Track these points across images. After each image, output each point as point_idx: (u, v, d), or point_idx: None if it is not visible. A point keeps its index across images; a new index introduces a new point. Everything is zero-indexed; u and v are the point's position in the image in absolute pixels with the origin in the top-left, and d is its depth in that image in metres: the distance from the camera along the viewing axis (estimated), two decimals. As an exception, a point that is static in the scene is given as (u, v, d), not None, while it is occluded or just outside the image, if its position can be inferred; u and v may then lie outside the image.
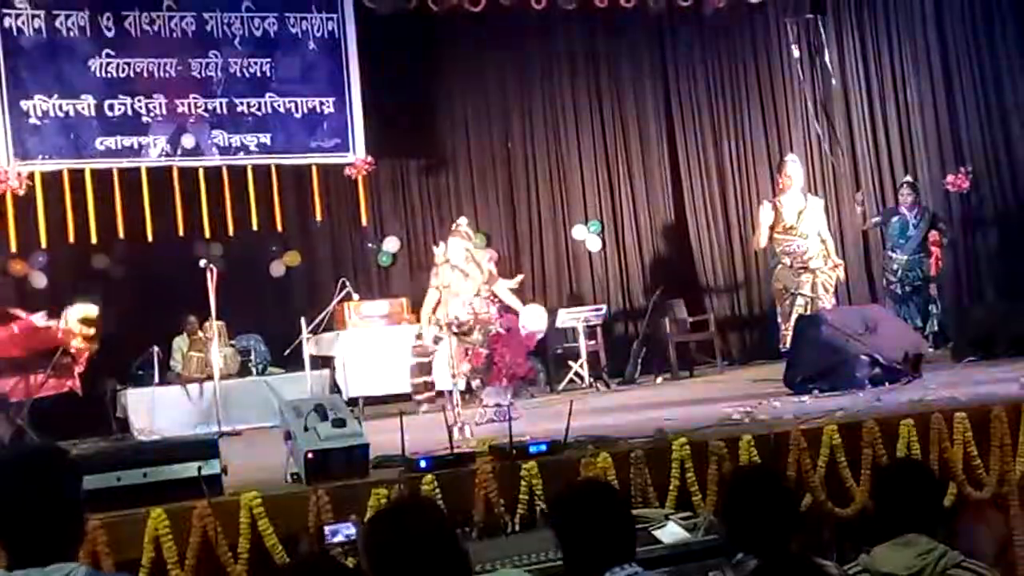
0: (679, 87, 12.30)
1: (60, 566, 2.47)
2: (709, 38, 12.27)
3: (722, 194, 12.30)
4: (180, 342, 10.44)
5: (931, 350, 9.08)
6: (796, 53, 11.79)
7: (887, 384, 7.07)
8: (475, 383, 7.35)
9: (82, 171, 9.98)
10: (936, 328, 10.21)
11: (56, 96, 9.92)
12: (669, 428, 5.70)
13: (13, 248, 10.04)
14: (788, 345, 8.17)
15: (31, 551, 2.47)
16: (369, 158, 10.85)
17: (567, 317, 10.63)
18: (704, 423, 5.93)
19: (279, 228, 10.89)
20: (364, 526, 2.81)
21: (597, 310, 10.78)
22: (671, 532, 4.16)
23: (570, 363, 10.53)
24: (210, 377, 9.43)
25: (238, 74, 10.56)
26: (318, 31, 10.74)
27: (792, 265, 9.43)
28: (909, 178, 11.24)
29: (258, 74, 10.63)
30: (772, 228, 9.50)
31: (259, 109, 10.60)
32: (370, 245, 11.73)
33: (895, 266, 10.50)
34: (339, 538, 4.22)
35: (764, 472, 3.83)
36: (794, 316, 8.82)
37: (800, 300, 9.23)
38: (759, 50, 12.37)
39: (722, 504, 3.51)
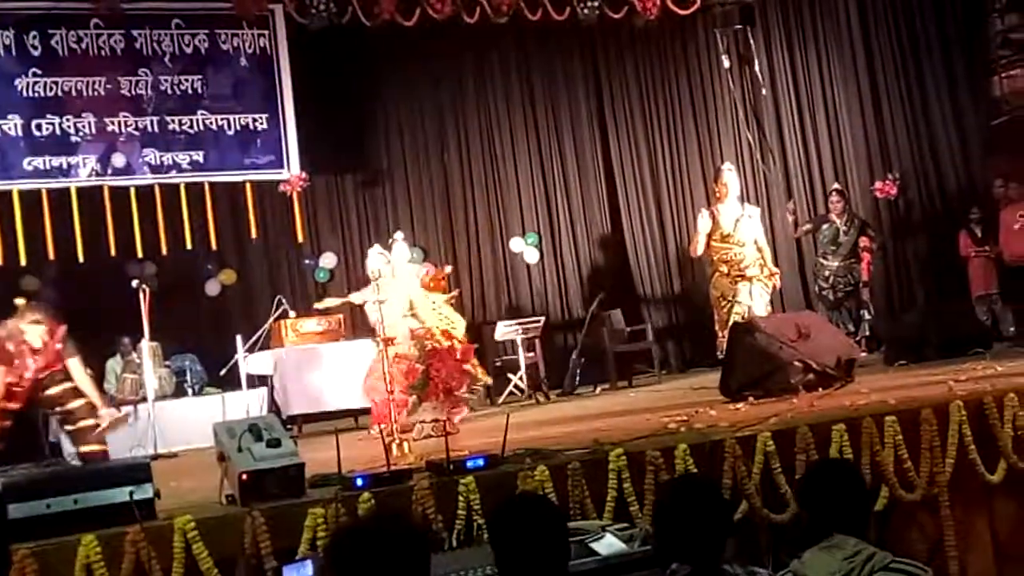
0: (612, 98, 12.39)
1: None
2: (641, 49, 12.38)
3: (657, 203, 12.40)
4: (114, 364, 10.29)
5: (863, 354, 9.21)
6: (727, 63, 11.94)
7: (820, 389, 7.17)
8: (411, 399, 7.33)
9: (10, 192, 9.81)
10: (868, 333, 10.37)
11: (-17, 116, 9.76)
12: (606, 439, 5.74)
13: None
14: (724, 353, 8.24)
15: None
16: (304, 174, 10.79)
17: (506, 329, 10.65)
18: (641, 433, 5.96)
19: (214, 246, 10.79)
20: (333, 538, 2.77)
21: (535, 322, 10.80)
22: (608, 544, 4.17)
23: (509, 375, 10.54)
24: (145, 399, 9.31)
25: (169, 91, 10.45)
26: (249, 47, 10.67)
27: (729, 273, 9.53)
28: (838, 185, 11.43)
29: (189, 91, 10.53)
30: (709, 236, 9.60)
31: (191, 127, 10.50)
32: (307, 261, 11.66)
33: (827, 272, 10.67)
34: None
35: (696, 481, 3.86)
36: (730, 324, 8.91)
37: (737, 308, 9.33)
38: (691, 61, 12.51)
39: (655, 513, 3.54)
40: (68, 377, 7.49)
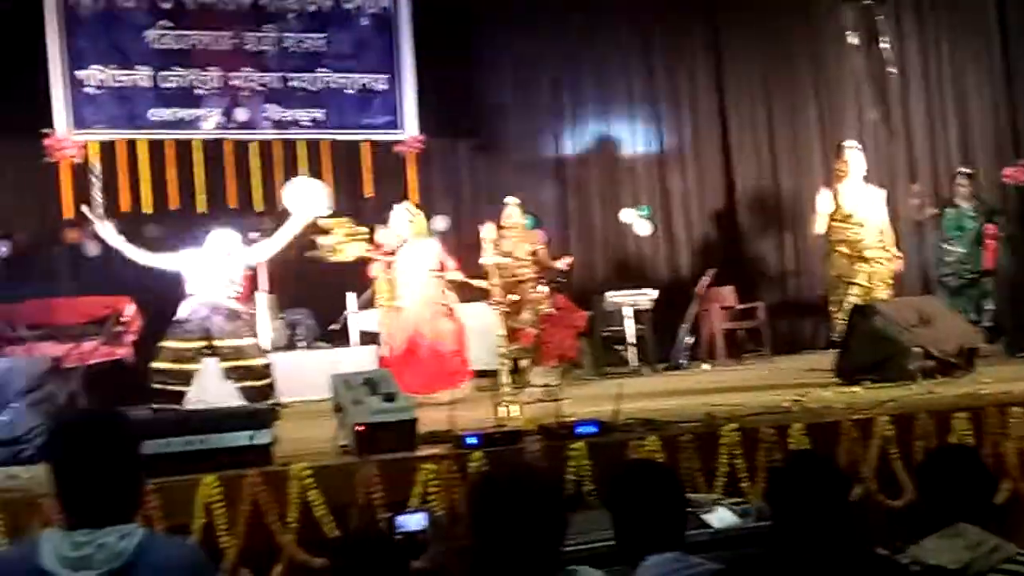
0: (732, 69, 12.18)
1: (119, 527, 2.48)
2: (763, 20, 12.14)
3: (774, 180, 12.18)
4: (229, 314, 10.48)
5: (985, 344, 8.93)
6: (852, 40, 11.61)
7: (940, 377, 6.98)
8: (523, 363, 7.34)
9: (136, 141, 10.08)
10: (990, 322, 10.04)
11: (112, 67, 10.02)
12: (718, 414, 5.68)
13: (67, 216, 10.16)
14: (841, 335, 8.07)
15: (91, 512, 2.47)
16: (420, 136, 10.86)
17: (615, 300, 10.58)
18: (754, 410, 5.88)
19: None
20: (476, 486, 2.74)
21: (645, 294, 10.71)
22: (721, 517, 4.13)
23: (616, 346, 10.48)
24: (260, 350, 9.47)
25: (292, 49, 10.62)
26: (371, 7, 10.77)
27: (849, 254, 9.32)
28: (966, 169, 11.06)
29: (311, 49, 10.68)
30: (830, 216, 9.39)
31: (312, 84, 10.66)
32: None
33: (950, 258, 10.32)
34: (408, 528, 4.18)
35: (815, 457, 3.79)
36: (848, 306, 8.71)
37: (855, 290, 9.13)
38: (815, 33, 12.23)
39: (771, 487, 3.47)
40: None
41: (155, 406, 7.15)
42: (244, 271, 7.70)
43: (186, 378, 7.48)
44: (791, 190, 12.17)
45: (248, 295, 7.73)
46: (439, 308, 7.84)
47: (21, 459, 5.59)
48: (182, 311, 7.60)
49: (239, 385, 7.50)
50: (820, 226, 9.50)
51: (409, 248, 8.23)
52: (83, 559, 2.42)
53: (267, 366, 7.72)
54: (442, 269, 8.45)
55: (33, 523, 4.23)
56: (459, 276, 8.45)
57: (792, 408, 5.94)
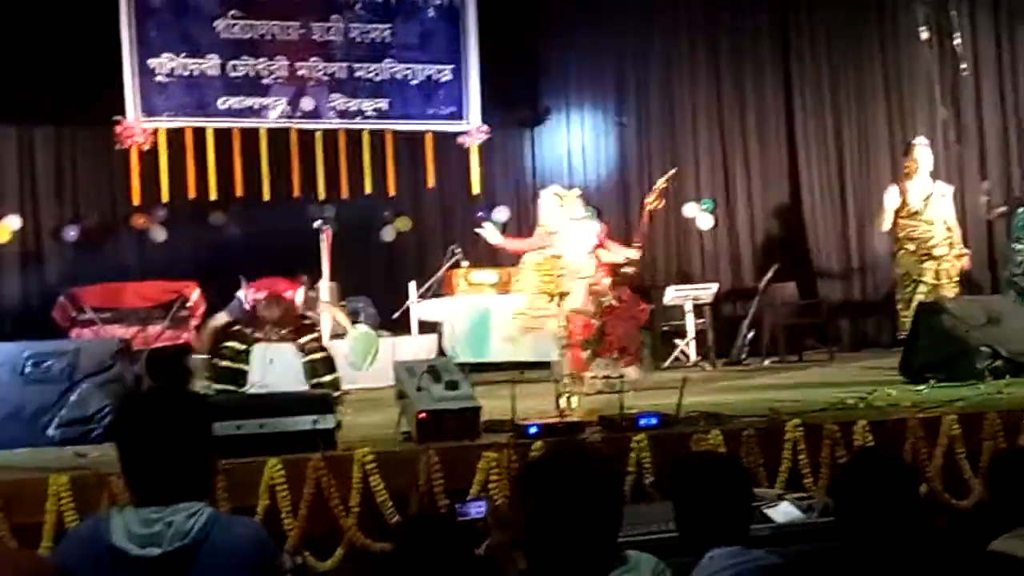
0: (800, 63, 12.05)
1: (187, 505, 2.51)
2: (833, 14, 11.99)
3: (840, 176, 12.04)
4: (292, 301, 10.58)
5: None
6: (924, 35, 11.43)
7: (1009, 377, 6.85)
8: (585, 354, 7.31)
9: (204, 129, 10.21)
10: (1060, 324, 9.84)
11: (183, 55, 10.16)
12: (781, 409, 5.63)
13: (136, 202, 10.33)
14: (907, 333, 7.96)
15: (160, 490, 2.49)
16: (484, 127, 10.88)
17: (675, 294, 10.52)
18: (817, 406, 5.82)
19: (391, 193, 11.00)
20: (532, 467, 2.73)
21: (706, 288, 10.65)
22: (784, 512, 4.09)
23: (676, 341, 10.43)
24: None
25: (358, 39, 10.68)
26: (438, -1, 10.80)
27: (916, 252, 9.17)
28: (1038, 168, 10.87)
29: (377, 40, 10.74)
30: (897, 213, 9.25)
31: (377, 75, 10.72)
32: (480, 214, 11.75)
33: (1020, 258, 10.13)
34: (469, 516, 4.20)
35: (883, 456, 3.73)
36: (915, 304, 8.59)
37: (922, 287, 8.99)
38: (885, 29, 12.06)
39: (839, 483, 3.43)
40: None
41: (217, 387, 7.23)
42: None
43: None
44: (857, 186, 12.01)
45: None
46: (599, 289, 7.86)
47: (90, 438, 5.69)
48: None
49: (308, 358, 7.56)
50: (887, 223, 9.37)
51: (568, 230, 8.23)
52: (151, 536, 2.44)
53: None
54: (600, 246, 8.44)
55: (102, 501, 4.31)
56: (618, 256, 8.43)
57: (857, 405, 5.87)
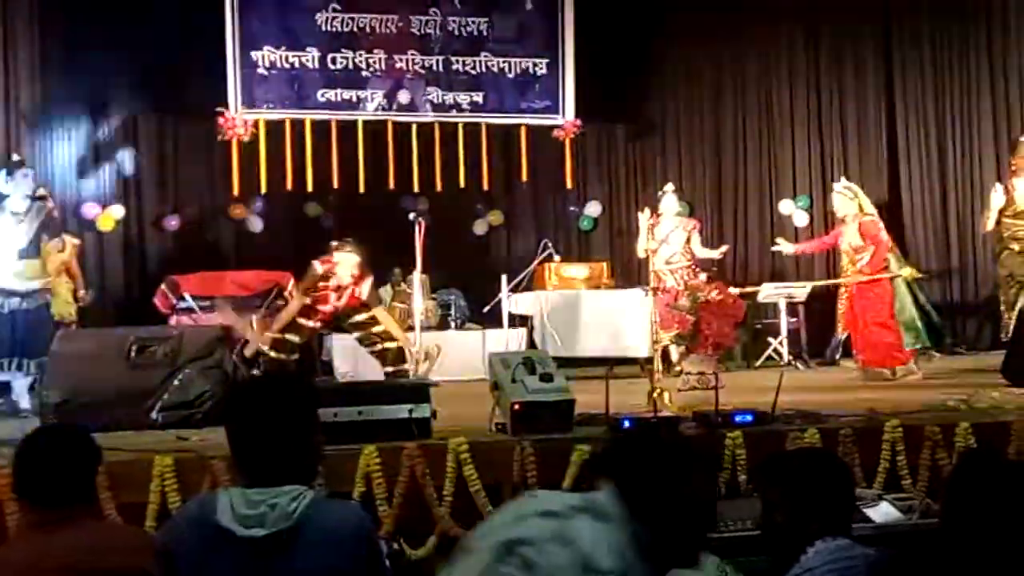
0: (902, 59, 11.80)
1: (292, 488, 2.55)
2: (937, 8, 11.72)
3: (941, 175, 11.76)
4: (384, 292, 10.70)
5: None
6: (1034, 27, 11.12)
7: (1118, 382, 6.64)
8: (679, 349, 7.27)
9: (303, 121, 10.37)
10: None
11: (283, 48, 10.33)
12: (880, 410, 5.53)
13: (235, 192, 10.52)
14: (1009, 335, 7.76)
15: (267, 472, 2.54)
16: (578, 121, 10.88)
17: (769, 292, 10.39)
18: (917, 407, 5.71)
19: (485, 187, 11.04)
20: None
21: (801, 287, 10.49)
22: (884, 512, 4.04)
23: (769, 339, 10.30)
24: (412, 328, 9.64)
25: (455, 32, 10.75)
26: (537, -8, 10.81)
27: (1021, 252, 8.93)
28: None
29: (475, 33, 10.78)
30: (1002, 212, 9.02)
31: (474, 68, 10.77)
32: (572, 208, 11.75)
33: None
34: None
35: (995, 458, 3.64)
36: (1019, 305, 8.36)
37: (1027, 289, 8.76)
38: (992, 22, 11.75)
39: (949, 486, 3.35)
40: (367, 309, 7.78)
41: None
42: None
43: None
44: (960, 184, 11.73)
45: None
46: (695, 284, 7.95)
47: (191, 422, 5.83)
48: None
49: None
50: (991, 222, 9.15)
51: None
52: (256, 517, 2.50)
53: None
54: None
55: (203, 482, 4.41)
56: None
57: (959, 407, 5.74)
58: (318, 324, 7.79)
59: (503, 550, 2.21)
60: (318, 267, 7.53)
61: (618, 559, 2.20)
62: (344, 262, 7.53)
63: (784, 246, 9.08)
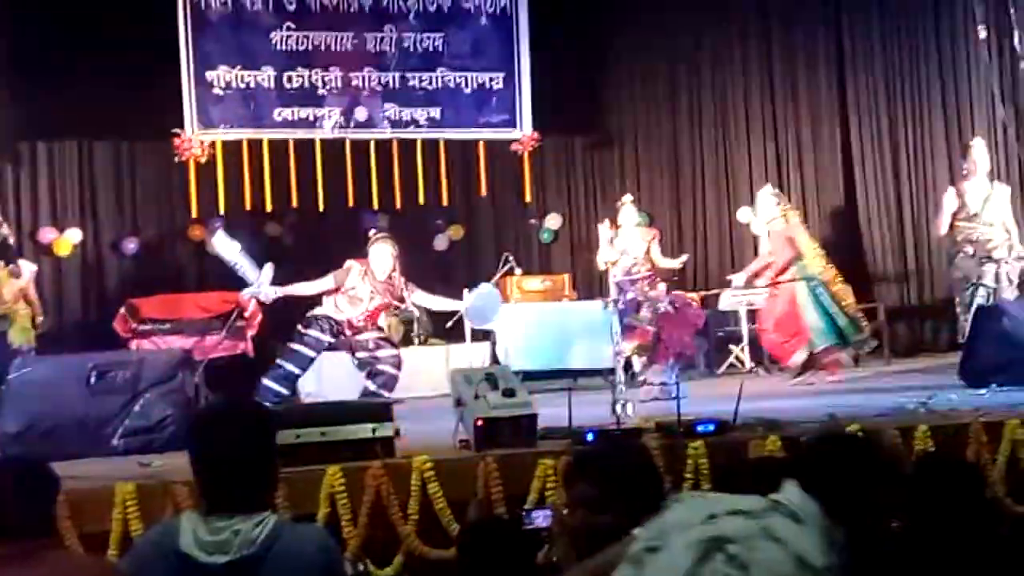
0: (854, 65, 11.94)
1: (254, 515, 2.55)
2: (888, 14, 11.89)
3: (895, 178, 11.91)
4: (346, 310, 10.67)
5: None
6: (982, 34, 11.26)
7: (1073, 381, 6.74)
8: (640, 361, 7.31)
9: (260, 140, 10.33)
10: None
11: (239, 67, 10.29)
12: (840, 415, 5.59)
13: (193, 214, 10.47)
14: (966, 337, 7.87)
15: (229, 499, 2.55)
16: (536, 134, 10.92)
17: (730, 300, 10.46)
18: (876, 411, 5.77)
19: (444, 202, 11.05)
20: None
21: (761, 293, 10.55)
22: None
23: (731, 346, 10.37)
24: (374, 345, 9.61)
25: (411, 49, 10.75)
26: (490, 6, 10.84)
27: (975, 254, 9.04)
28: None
29: (430, 49, 10.80)
30: (955, 215, 9.14)
31: (430, 83, 10.78)
32: (532, 221, 11.78)
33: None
34: (537, 524, 4.22)
35: (950, 461, 3.69)
36: (974, 307, 8.48)
37: (982, 291, 8.86)
38: (942, 29, 11.93)
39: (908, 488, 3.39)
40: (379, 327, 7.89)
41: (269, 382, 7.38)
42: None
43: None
44: (915, 188, 11.89)
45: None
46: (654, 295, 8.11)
47: (153, 447, 5.78)
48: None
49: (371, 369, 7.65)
50: (944, 226, 9.27)
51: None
52: (219, 544, 2.50)
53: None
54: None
55: (166, 507, 4.39)
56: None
57: (918, 410, 5.81)
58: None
59: (706, 548, 2.21)
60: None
61: (827, 557, 2.24)
62: (378, 257, 7.72)
63: (736, 279, 9.18)
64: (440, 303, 8.26)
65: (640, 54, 11.84)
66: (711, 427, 5.13)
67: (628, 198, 9.36)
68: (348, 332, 7.76)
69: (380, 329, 8.08)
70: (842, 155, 12.00)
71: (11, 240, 8.10)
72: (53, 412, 5.89)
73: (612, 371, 6.95)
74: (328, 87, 10.48)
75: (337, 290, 7.81)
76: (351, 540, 4.54)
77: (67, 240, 10.41)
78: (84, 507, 4.41)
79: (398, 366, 7.85)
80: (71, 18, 9.96)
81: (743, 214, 11.75)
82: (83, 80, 9.97)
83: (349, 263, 8.01)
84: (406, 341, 10.39)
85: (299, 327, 7.81)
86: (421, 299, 8.07)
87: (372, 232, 8.23)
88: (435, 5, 10.72)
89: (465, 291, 9.22)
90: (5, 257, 7.74)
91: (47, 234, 10.37)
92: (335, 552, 2.79)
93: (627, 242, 8.88)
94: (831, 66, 11.99)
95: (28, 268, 8.36)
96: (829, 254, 11.55)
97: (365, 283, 7.78)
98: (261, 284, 7.56)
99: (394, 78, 10.63)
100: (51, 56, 9.96)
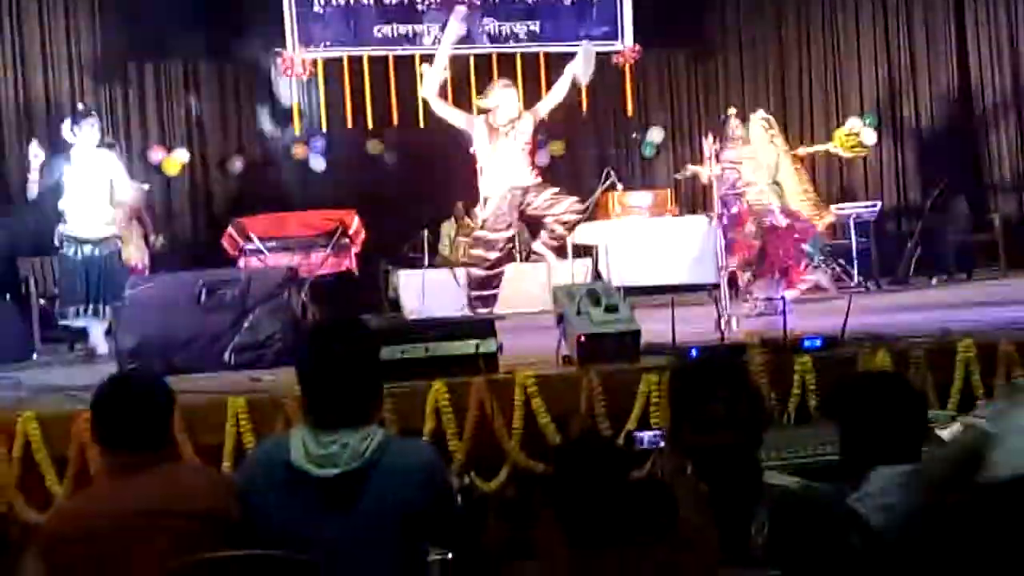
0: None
1: (362, 428, 2.60)
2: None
3: (1015, 83, 11.41)
4: (448, 227, 10.73)
5: None
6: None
7: None
8: (746, 275, 7.20)
9: (360, 58, 10.34)
10: None
11: (339, -15, 10.27)
12: (952, 329, 5.44)
13: (296, 132, 10.56)
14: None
15: (336, 414, 2.60)
16: (637, 46, 10.71)
17: (838, 212, 10.20)
18: (992, 325, 5.61)
19: (544, 117, 10.93)
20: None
21: (870, 206, 10.29)
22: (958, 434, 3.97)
23: (839, 261, 10.15)
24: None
25: (511, -38, 10.60)
26: (591, -84, 10.60)
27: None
28: None
29: (530, -38, 10.63)
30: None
31: (529, -3, 10.64)
32: (634, 135, 11.62)
33: None
34: (645, 444, 4.22)
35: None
36: None
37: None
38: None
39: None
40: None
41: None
42: None
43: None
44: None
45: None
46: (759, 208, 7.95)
47: (262, 363, 5.92)
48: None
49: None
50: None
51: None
52: (328, 457, 2.56)
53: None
54: None
55: (277, 421, 4.49)
56: None
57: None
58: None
59: None
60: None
61: None
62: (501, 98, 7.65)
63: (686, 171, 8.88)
64: (556, 89, 8.33)
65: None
66: (818, 342, 5.04)
67: (732, 111, 9.15)
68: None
69: None
70: (957, 59, 11.53)
71: (123, 161, 8.26)
72: (166, 329, 6.05)
73: (716, 286, 6.87)
74: (427, 3, 10.41)
75: None
76: (456, 454, 4.60)
77: (175, 160, 10.61)
78: (198, 420, 4.53)
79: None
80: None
81: (852, 124, 11.39)
82: (182, 3, 10.06)
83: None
84: (507, 258, 10.40)
85: None
86: (545, 106, 8.20)
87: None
88: (536, -84, 10.53)
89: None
90: (117, 178, 7.88)
91: (156, 154, 10.58)
92: (440, 465, 2.84)
93: (735, 156, 8.69)
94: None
95: (140, 188, 8.54)
96: (943, 165, 11.26)
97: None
98: None
99: (493, -8, 10.51)
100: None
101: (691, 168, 9.01)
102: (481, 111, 8.16)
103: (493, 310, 8.25)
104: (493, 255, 7.97)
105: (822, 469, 3.66)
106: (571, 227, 7.80)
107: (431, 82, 8.20)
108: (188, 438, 4.41)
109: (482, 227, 8.00)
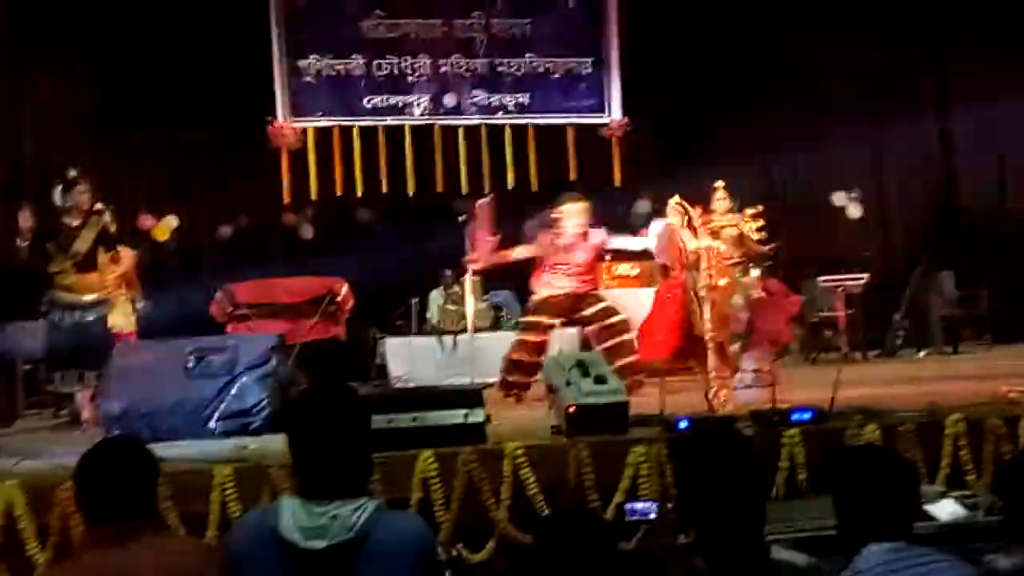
0: (957, 47, 11.58)
1: (353, 500, 2.57)
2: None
3: (1000, 154, 11.52)
4: (436, 295, 10.74)
5: None
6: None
7: None
8: (733, 348, 7.20)
9: (350, 128, 10.44)
10: None
11: (329, 56, 10.41)
12: (941, 403, 5.44)
13: (285, 200, 10.61)
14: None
15: (327, 484, 2.57)
16: (625, 119, 10.83)
17: (824, 284, 10.27)
18: (979, 400, 5.60)
19: (533, 187, 11.02)
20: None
21: (857, 278, 10.35)
22: (947, 509, 3.96)
23: (826, 332, 10.18)
24: (464, 330, 9.65)
25: (499, 35, 10.75)
26: (578, -9, 10.80)
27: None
28: None
29: (518, 35, 10.81)
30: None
31: (518, 70, 10.80)
32: (621, 208, 11.67)
33: None
34: (636, 515, 4.20)
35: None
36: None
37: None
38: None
39: (1005, 483, 3.28)
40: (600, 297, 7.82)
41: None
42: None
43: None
44: (1019, 165, 11.47)
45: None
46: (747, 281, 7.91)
47: (249, 430, 5.88)
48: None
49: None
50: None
51: None
52: (318, 529, 2.52)
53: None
54: None
55: (263, 491, 4.44)
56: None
57: (1022, 400, 5.62)
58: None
59: None
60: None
61: None
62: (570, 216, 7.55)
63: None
64: (631, 242, 8.30)
65: (733, 41, 11.62)
66: (807, 415, 5.03)
67: (720, 184, 9.23)
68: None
69: None
70: (941, 131, 11.63)
71: (112, 228, 8.26)
72: (153, 394, 6.02)
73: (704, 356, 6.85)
74: (417, 74, 10.57)
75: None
76: (444, 524, 4.55)
77: (165, 226, 10.63)
78: (184, 488, 4.48)
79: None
80: (166, 8, 10.15)
81: (838, 198, 11.51)
82: (175, 72, 10.17)
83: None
84: (495, 326, 10.42)
85: None
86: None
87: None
88: (523, -10, 10.73)
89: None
90: (107, 243, 7.89)
91: (146, 220, 10.59)
92: (431, 539, 2.80)
93: (720, 228, 8.74)
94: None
95: (129, 254, 8.53)
96: (929, 236, 11.33)
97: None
98: None
99: (482, 65, 10.66)
100: (148, 43, 10.15)
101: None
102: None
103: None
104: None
105: (814, 542, 3.64)
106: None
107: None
108: (173, 506, 4.36)
109: None
